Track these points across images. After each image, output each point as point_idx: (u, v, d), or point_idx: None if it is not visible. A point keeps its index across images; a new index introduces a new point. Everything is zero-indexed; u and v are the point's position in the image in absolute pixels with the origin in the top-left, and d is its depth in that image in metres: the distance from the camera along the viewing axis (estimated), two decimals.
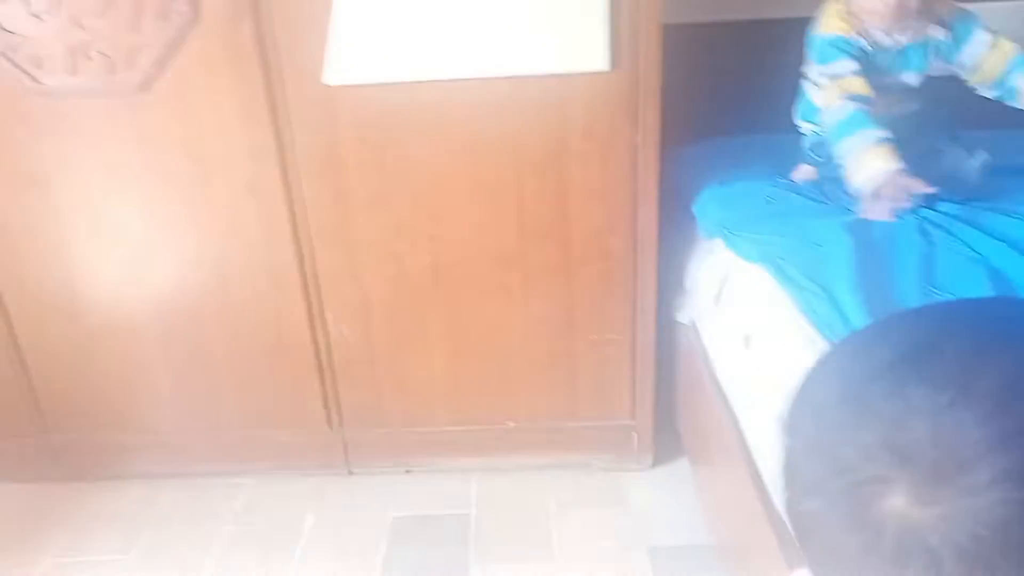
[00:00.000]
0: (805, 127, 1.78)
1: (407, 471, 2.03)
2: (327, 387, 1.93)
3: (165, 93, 1.63)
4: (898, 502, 0.44)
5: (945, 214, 1.54)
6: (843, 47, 1.63)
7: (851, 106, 1.58)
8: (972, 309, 0.54)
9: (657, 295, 1.77)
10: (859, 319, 1.27)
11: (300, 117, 1.64)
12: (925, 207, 1.55)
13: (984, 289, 1.34)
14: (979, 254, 1.43)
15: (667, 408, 1.96)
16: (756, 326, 1.42)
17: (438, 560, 1.78)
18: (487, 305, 1.80)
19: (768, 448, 1.30)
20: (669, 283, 1.82)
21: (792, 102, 1.79)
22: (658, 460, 1.98)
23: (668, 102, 1.59)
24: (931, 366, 0.45)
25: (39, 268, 1.82)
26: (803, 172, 1.77)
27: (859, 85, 1.60)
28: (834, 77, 1.63)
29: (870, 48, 1.65)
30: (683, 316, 1.81)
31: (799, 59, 1.72)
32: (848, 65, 1.62)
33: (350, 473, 2.04)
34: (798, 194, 1.70)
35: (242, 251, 1.78)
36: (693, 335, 1.75)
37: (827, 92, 1.63)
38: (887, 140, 1.53)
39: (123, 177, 1.72)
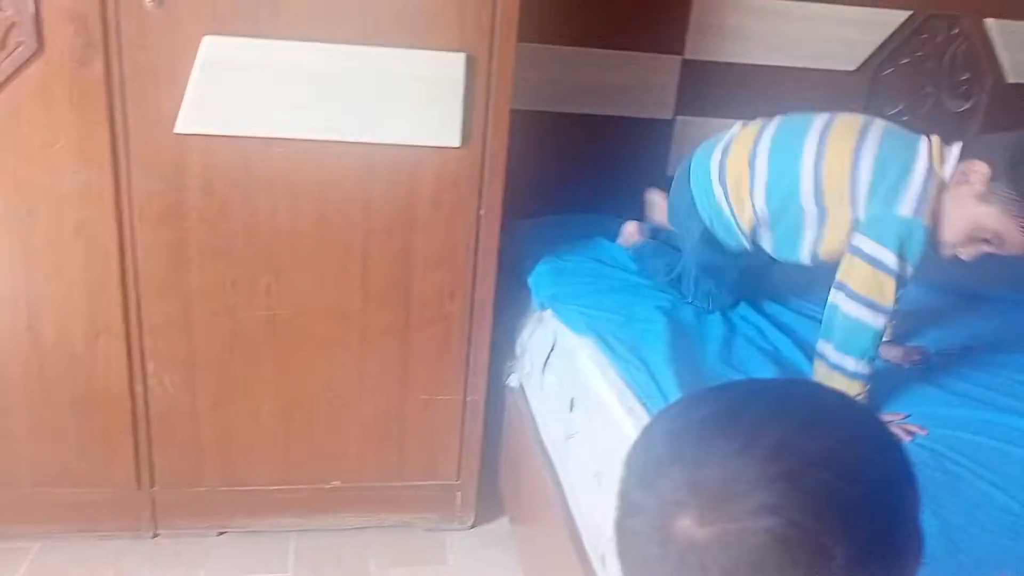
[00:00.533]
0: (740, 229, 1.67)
1: (220, 533, 1.95)
2: (140, 442, 1.82)
3: None
4: (686, 523, 0.56)
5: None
6: (924, 246, 1.43)
7: (883, 322, 1.44)
8: (766, 385, 0.72)
9: (489, 359, 1.87)
10: (671, 388, 1.42)
11: (143, 162, 1.60)
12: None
13: (770, 370, 1.56)
14: (769, 342, 1.67)
15: (490, 469, 2.04)
16: (580, 391, 1.54)
17: None
18: (322, 362, 1.81)
19: (586, 504, 1.41)
20: (501, 349, 1.92)
21: (627, 185, 1.98)
22: (479, 520, 2.04)
23: (510, 179, 1.72)
24: (730, 423, 0.59)
25: None
26: (628, 233, 1.94)
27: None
28: (900, 277, 1.42)
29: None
30: (512, 380, 1.91)
31: (626, 151, 1.92)
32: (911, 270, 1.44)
33: (155, 535, 1.93)
34: (622, 270, 1.87)
35: (60, 293, 1.67)
36: (520, 398, 1.86)
37: (883, 287, 1.41)
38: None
39: None
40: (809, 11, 2.13)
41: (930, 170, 1.44)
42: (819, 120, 1.59)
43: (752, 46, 2.14)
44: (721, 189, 1.66)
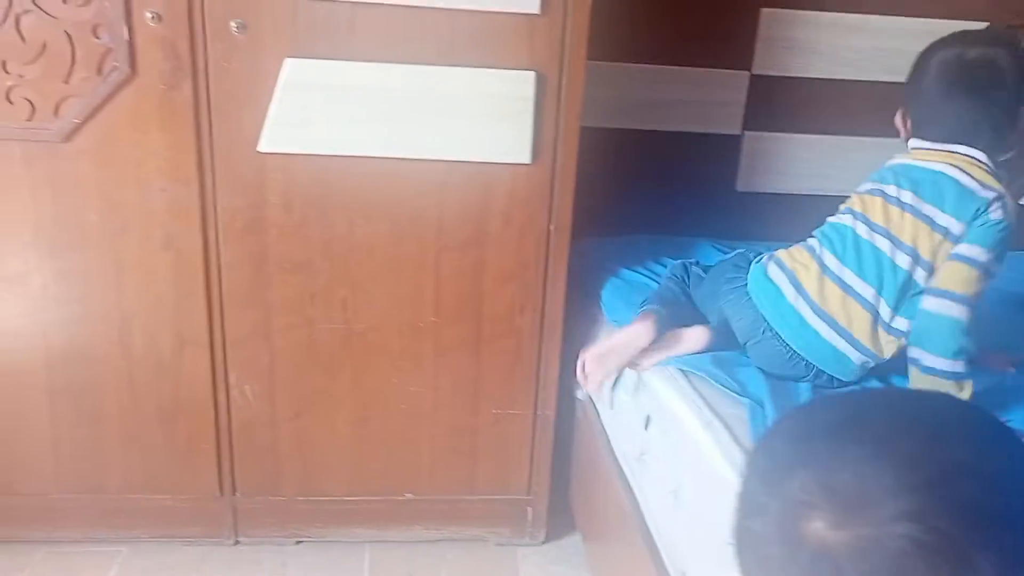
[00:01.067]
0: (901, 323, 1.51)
1: (298, 542, 2.00)
2: (222, 450, 1.89)
3: (88, 144, 1.62)
4: (818, 525, 0.56)
5: None
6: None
7: (970, 317, 1.44)
8: (890, 394, 0.72)
9: (559, 374, 1.88)
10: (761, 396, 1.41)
11: (227, 180, 1.67)
12: None
13: None
14: None
15: (560, 484, 2.04)
16: (655, 408, 1.54)
17: None
18: (396, 375, 1.85)
19: (664, 521, 1.40)
20: (570, 364, 1.93)
21: (694, 203, 1.97)
22: (550, 535, 2.05)
23: (579, 197, 1.74)
24: (861, 429, 0.59)
25: None
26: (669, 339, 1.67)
27: None
28: (990, 272, 1.46)
29: None
30: (581, 393, 1.92)
31: (694, 167, 1.92)
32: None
33: (236, 543, 1.99)
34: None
35: (149, 306, 1.75)
36: (591, 413, 1.86)
37: (976, 283, 1.44)
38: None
39: (31, 223, 1.67)
40: (883, 24, 2.11)
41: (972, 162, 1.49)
42: (849, 220, 1.55)
43: (822, 60, 2.12)
44: (833, 330, 1.52)
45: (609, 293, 1.87)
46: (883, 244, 1.50)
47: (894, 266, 1.49)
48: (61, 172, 1.64)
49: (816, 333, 1.51)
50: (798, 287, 1.53)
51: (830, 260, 1.54)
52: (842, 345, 1.50)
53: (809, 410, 0.65)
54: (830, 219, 1.61)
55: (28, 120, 1.59)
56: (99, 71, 1.57)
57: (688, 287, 1.76)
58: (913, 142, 1.57)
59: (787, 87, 2.14)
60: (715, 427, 1.32)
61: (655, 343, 1.61)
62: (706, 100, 2.12)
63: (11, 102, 1.58)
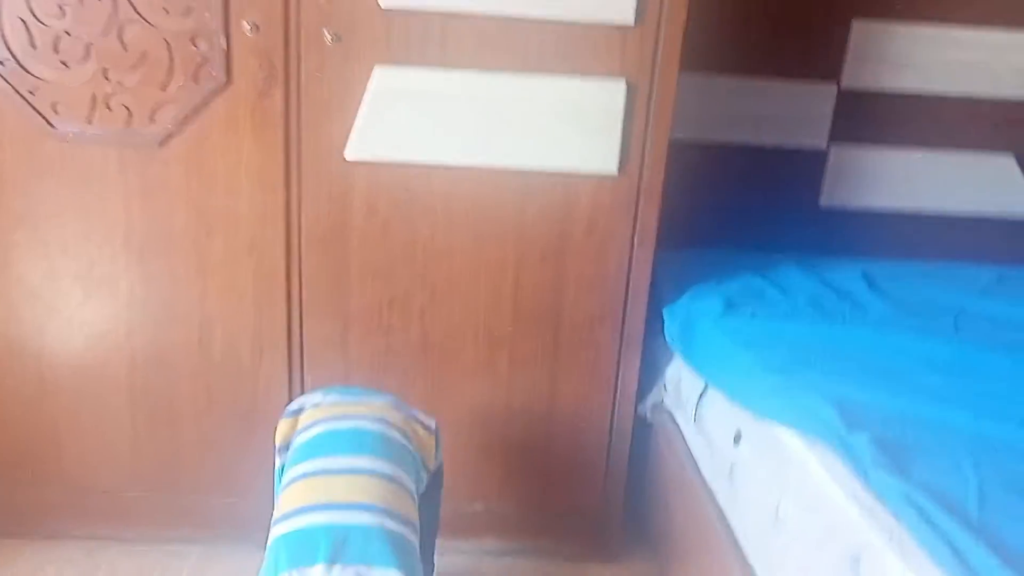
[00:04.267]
0: None
1: None
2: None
3: (181, 149, 1.65)
4: None
5: None
6: None
7: None
8: None
9: (637, 388, 1.85)
10: (840, 418, 1.35)
11: (313, 186, 1.68)
12: None
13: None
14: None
15: (634, 500, 2.00)
16: (747, 423, 1.49)
17: None
18: (471, 384, 1.84)
19: (759, 541, 1.35)
20: (647, 378, 1.90)
21: (778, 219, 1.92)
22: (622, 553, 2.01)
23: (664, 209, 1.71)
24: None
25: (10, 308, 1.76)
26: None
27: None
28: None
29: None
30: (642, 408, 1.88)
31: (779, 181, 1.87)
32: None
33: None
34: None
35: (231, 310, 1.77)
36: (671, 428, 1.82)
37: None
38: None
39: (122, 227, 1.70)
40: (978, 38, 2.04)
41: None
42: None
43: (914, 73, 2.06)
44: None
45: (671, 314, 1.82)
46: None
47: None
48: (153, 177, 1.67)
49: None
50: None
51: None
52: None
53: None
54: None
55: (125, 126, 1.63)
56: (195, 79, 1.59)
57: None
58: None
59: (876, 100, 2.09)
60: (818, 448, 1.27)
61: None
62: (792, 114, 2.08)
63: (110, 108, 1.62)
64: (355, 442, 1.33)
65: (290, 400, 1.85)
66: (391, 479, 1.27)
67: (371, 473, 1.27)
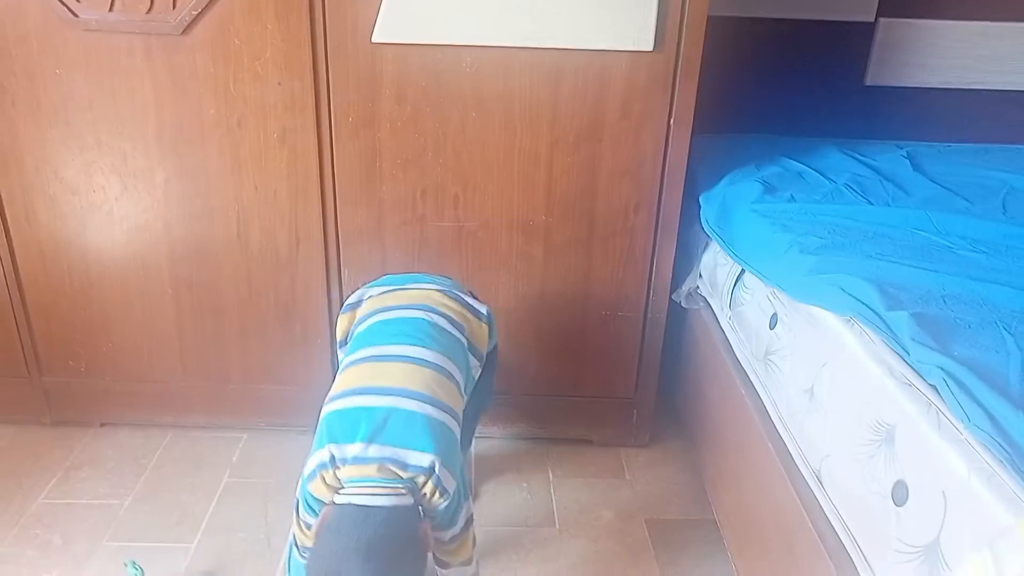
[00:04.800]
0: None
1: None
2: (334, 346, 1.93)
3: (205, 36, 1.62)
4: None
5: None
6: None
7: None
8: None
9: (672, 275, 1.83)
10: (878, 296, 1.32)
11: (341, 72, 1.65)
12: None
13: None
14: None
15: (667, 385, 2.02)
16: (784, 307, 1.47)
17: None
18: (506, 273, 1.84)
19: (795, 421, 1.36)
20: (681, 265, 1.88)
21: (821, 100, 1.83)
22: (654, 437, 2.04)
23: (699, 90, 1.65)
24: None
25: (51, 204, 1.79)
26: None
27: None
28: None
29: None
30: (676, 295, 1.87)
31: (823, 57, 1.78)
32: None
33: None
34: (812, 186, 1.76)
35: (266, 202, 1.78)
36: (705, 314, 1.81)
37: None
38: None
39: (153, 118, 1.70)
40: None
41: None
42: None
43: None
44: None
45: (708, 199, 1.78)
46: None
47: None
48: (180, 66, 1.65)
49: None
50: None
51: None
52: None
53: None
54: None
55: (147, 13, 1.60)
56: None
57: None
58: None
59: None
60: (855, 325, 1.25)
61: None
62: None
63: None
64: (407, 332, 1.36)
65: (328, 290, 1.88)
66: (439, 368, 1.30)
67: (419, 362, 1.30)
